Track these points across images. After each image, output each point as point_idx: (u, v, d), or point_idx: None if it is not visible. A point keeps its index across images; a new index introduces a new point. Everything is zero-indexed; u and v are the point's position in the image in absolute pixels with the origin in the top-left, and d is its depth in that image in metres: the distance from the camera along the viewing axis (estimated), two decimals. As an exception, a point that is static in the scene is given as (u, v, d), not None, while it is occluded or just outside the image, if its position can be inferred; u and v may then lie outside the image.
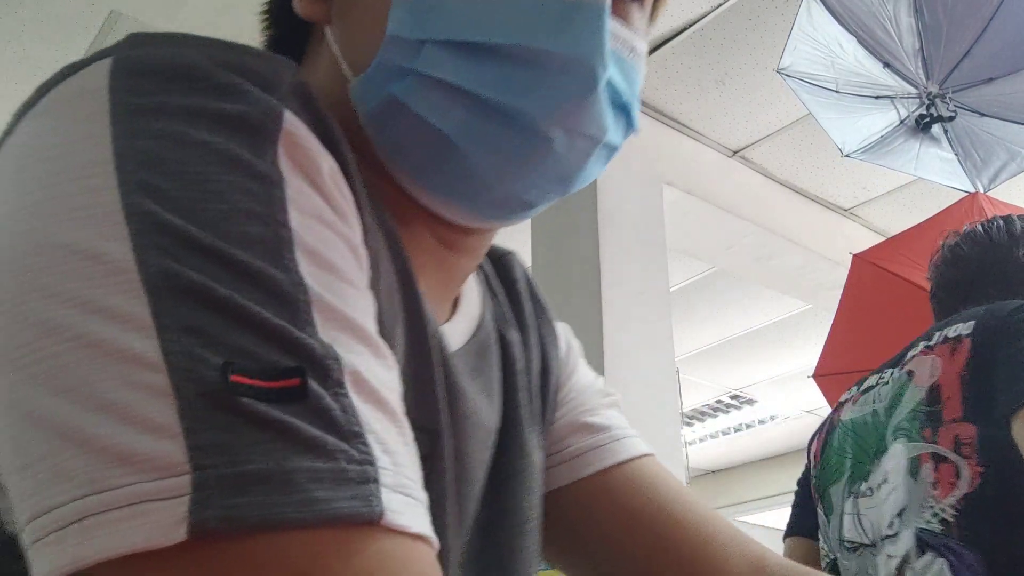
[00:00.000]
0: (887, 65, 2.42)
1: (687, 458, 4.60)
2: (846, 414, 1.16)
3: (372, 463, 0.30)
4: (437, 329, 0.47)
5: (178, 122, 0.33)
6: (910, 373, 1.05)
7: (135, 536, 0.27)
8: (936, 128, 2.53)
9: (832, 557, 1.12)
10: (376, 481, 0.30)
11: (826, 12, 2.27)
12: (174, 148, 0.32)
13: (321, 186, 0.35)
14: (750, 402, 5.36)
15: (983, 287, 1.15)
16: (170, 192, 0.31)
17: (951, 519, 0.93)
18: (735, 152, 3.14)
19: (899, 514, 0.99)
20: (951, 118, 2.47)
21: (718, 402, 5.38)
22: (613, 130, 0.46)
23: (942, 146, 2.56)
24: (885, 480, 1.03)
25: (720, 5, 2.49)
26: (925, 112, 2.49)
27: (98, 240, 0.30)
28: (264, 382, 0.29)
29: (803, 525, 1.25)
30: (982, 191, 2.44)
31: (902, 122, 2.54)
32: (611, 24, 0.44)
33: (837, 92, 2.42)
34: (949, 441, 0.95)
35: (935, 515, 0.94)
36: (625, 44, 0.47)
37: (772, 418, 5.60)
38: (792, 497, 1.31)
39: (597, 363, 2.36)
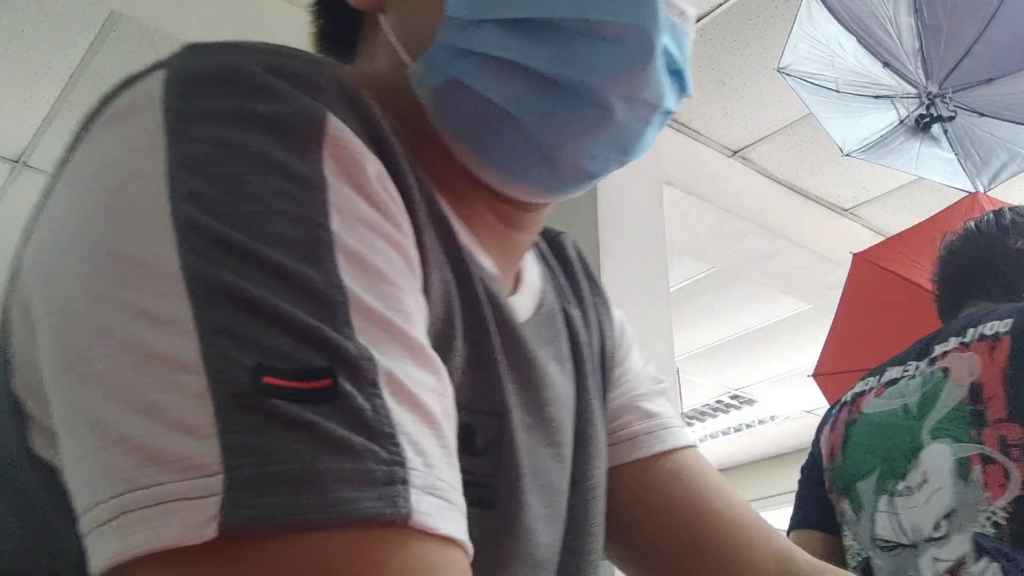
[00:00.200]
0: (887, 65, 2.42)
1: (687, 458, 4.58)
2: (869, 407, 1.14)
3: (402, 464, 0.31)
4: (503, 303, 0.48)
5: (225, 127, 0.34)
6: (945, 370, 1.03)
7: (169, 533, 0.28)
8: (936, 128, 2.53)
9: (865, 555, 1.09)
10: (405, 482, 0.30)
11: (826, 11, 2.28)
12: (219, 153, 0.33)
13: (366, 189, 0.36)
14: (750, 402, 5.36)
15: (980, 280, 1.15)
16: (213, 197, 0.32)
17: (1003, 522, 0.91)
18: (735, 152, 3.14)
19: (947, 516, 0.97)
20: (951, 118, 2.47)
21: (718, 402, 5.38)
22: (669, 95, 0.46)
23: (942, 146, 2.56)
24: (925, 480, 1.00)
25: (720, 5, 2.49)
26: (925, 112, 2.49)
27: (147, 247, 0.31)
28: (296, 383, 0.30)
29: (810, 517, 1.21)
30: (982, 191, 2.44)
31: (902, 122, 2.54)
32: None
33: (837, 92, 2.42)
34: (995, 442, 0.94)
35: (988, 519, 0.93)
36: (674, 9, 0.47)
37: (772, 418, 5.59)
38: (791, 496, 1.28)
39: (597, 363, 2.36)
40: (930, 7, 2.29)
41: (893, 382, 1.12)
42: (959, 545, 0.95)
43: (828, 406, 2.38)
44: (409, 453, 0.31)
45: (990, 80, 2.42)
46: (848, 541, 1.13)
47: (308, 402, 0.30)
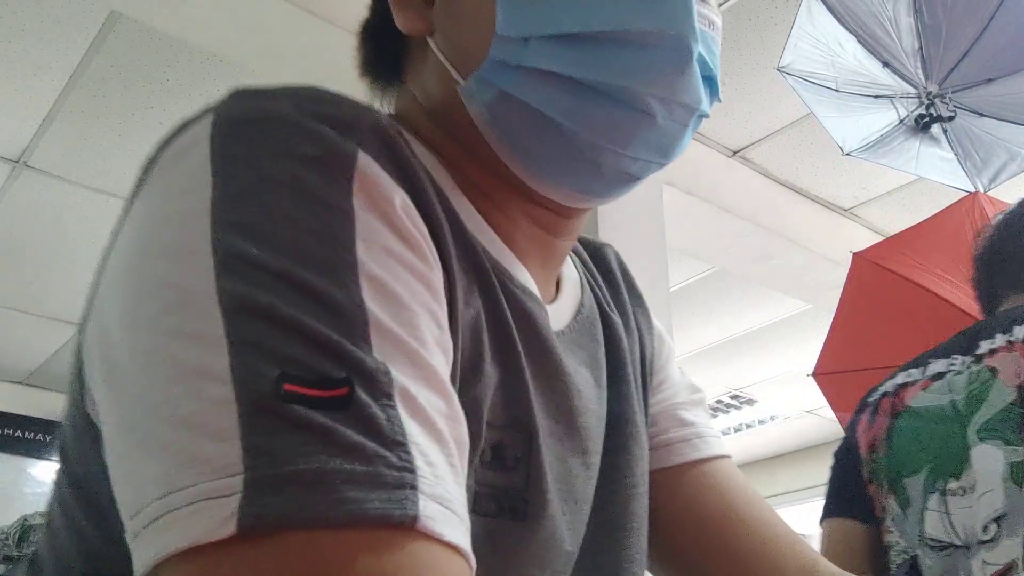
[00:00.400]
0: (886, 65, 2.42)
1: (687, 458, 4.58)
2: (914, 400, 1.11)
3: (412, 471, 0.32)
4: (536, 317, 0.51)
5: (264, 165, 0.38)
6: (993, 370, 1.02)
7: (197, 530, 0.30)
8: (936, 128, 2.53)
9: (912, 553, 1.07)
10: (413, 487, 0.32)
11: (826, 11, 2.28)
12: (258, 187, 0.37)
13: (392, 220, 0.39)
14: (750, 402, 5.35)
15: (1014, 271, 1.14)
16: (248, 223, 0.36)
17: None
18: (735, 152, 3.14)
19: (996, 520, 0.96)
20: (950, 118, 2.47)
21: (718, 402, 5.37)
22: (705, 99, 0.50)
23: (942, 146, 2.56)
24: (977, 481, 0.99)
25: (720, 5, 2.49)
26: (924, 112, 2.49)
27: (187, 275, 0.35)
28: (315, 391, 0.32)
29: (846, 507, 1.17)
30: (982, 191, 2.44)
31: (901, 122, 2.53)
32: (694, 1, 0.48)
33: (837, 91, 2.42)
34: None
35: None
36: (705, 19, 0.50)
37: (772, 418, 5.59)
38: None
39: (597, 363, 2.36)
40: (930, 7, 2.29)
41: (939, 376, 1.10)
42: (1009, 550, 0.94)
43: (828, 405, 2.39)
44: (419, 462, 0.33)
45: (990, 80, 2.42)
46: (893, 538, 1.11)
47: (325, 408, 0.32)
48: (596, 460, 0.54)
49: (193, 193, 0.37)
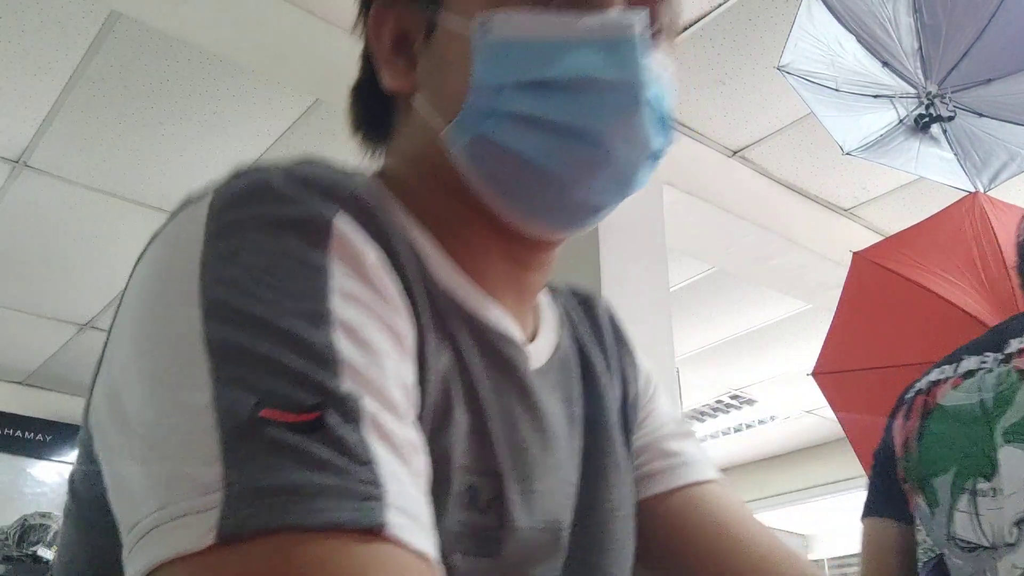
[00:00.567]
0: (886, 64, 2.42)
1: (687, 458, 4.57)
2: (945, 398, 1.11)
3: (379, 485, 0.36)
4: (509, 357, 0.56)
5: (250, 229, 0.42)
6: (1021, 372, 1.02)
7: (183, 541, 0.34)
8: (935, 128, 2.52)
9: (938, 553, 1.07)
10: (379, 500, 0.35)
11: (826, 11, 2.28)
12: (243, 247, 0.41)
13: (366, 275, 0.43)
14: (750, 402, 5.35)
15: None
16: (233, 278, 0.40)
17: None
18: (735, 152, 3.14)
19: (1018, 523, 0.96)
20: (950, 118, 2.47)
21: (718, 402, 5.37)
22: (656, 139, 0.55)
23: (941, 146, 2.56)
24: (1004, 483, 0.99)
25: (720, 5, 2.49)
26: (924, 112, 2.49)
27: (178, 325, 0.40)
28: (290, 415, 0.36)
29: (881, 505, 1.19)
30: (982, 191, 2.44)
31: (901, 122, 2.53)
32: (646, 51, 0.54)
33: (837, 91, 2.42)
34: None
35: None
36: (659, 66, 0.55)
37: (772, 418, 5.59)
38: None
39: (597, 363, 2.35)
40: (930, 7, 2.29)
41: (970, 373, 1.09)
42: None
43: (828, 405, 2.38)
44: (386, 478, 0.36)
45: (989, 80, 2.42)
46: (920, 536, 1.11)
47: (298, 431, 0.36)
48: (571, 491, 0.58)
49: (186, 256, 0.42)
